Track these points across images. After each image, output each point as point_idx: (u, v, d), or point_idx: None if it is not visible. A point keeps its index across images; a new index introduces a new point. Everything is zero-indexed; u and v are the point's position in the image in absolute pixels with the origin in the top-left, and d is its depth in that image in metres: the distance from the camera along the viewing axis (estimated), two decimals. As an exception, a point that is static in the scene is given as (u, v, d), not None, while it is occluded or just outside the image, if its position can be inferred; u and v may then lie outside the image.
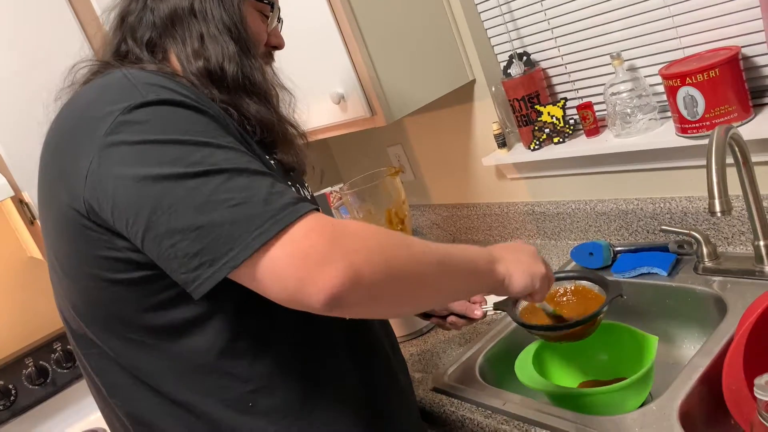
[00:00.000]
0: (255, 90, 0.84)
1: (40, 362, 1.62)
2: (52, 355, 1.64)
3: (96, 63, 0.84)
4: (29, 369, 1.60)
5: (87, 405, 1.64)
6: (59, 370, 1.64)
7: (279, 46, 0.96)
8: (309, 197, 0.91)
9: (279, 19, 0.95)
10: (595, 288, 1.05)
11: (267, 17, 0.91)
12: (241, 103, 0.82)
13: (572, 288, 1.09)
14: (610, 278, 1.28)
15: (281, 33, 0.97)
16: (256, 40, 0.87)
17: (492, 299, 1.11)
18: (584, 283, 1.07)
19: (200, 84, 0.80)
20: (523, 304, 1.09)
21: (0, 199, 1.37)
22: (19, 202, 1.44)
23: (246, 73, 0.83)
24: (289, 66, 1.42)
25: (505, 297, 1.08)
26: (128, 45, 0.84)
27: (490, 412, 1.04)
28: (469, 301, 1.11)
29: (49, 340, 1.65)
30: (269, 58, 0.95)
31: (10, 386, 1.57)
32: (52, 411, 1.64)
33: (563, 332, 1.00)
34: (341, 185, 1.59)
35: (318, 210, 0.68)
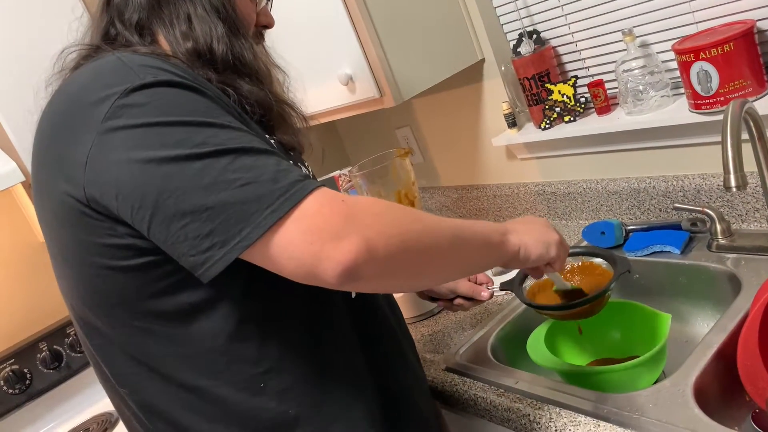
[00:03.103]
0: (246, 70, 0.82)
1: (54, 346, 1.64)
2: (66, 339, 1.65)
3: (85, 47, 0.82)
4: (44, 353, 1.61)
5: (101, 389, 1.65)
6: (73, 354, 1.66)
7: (269, 24, 0.94)
8: (311, 176, 0.90)
9: None
10: (603, 264, 1.04)
11: None
12: (235, 84, 0.80)
13: (579, 265, 1.08)
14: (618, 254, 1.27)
15: (271, 12, 0.95)
16: (245, 20, 0.86)
17: (499, 280, 1.11)
18: (592, 259, 1.07)
19: (192, 65, 0.78)
20: (530, 283, 1.08)
21: (10, 185, 1.37)
22: (30, 187, 1.45)
23: (236, 53, 0.81)
24: (296, 47, 1.41)
25: (512, 276, 1.08)
26: (117, 28, 0.83)
27: (502, 390, 1.04)
28: (476, 283, 1.10)
29: (62, 325, 1.66)
30: (260, 37, 0.93)
31: (25, 370, 1.59)
32: (67, 394, 1.66)
33: (570, 311, 1.00)
34: (350, 168, 1.58)
35: (323, 185, 0.67)
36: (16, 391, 1.57)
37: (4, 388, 1.56)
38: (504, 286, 1.08)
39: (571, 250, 1.07)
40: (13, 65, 1.38)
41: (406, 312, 1.38)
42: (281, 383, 0.77)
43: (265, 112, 0.83)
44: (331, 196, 0.65)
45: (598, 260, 1.06)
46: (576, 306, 0.99)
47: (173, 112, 0.66)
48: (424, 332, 1.33)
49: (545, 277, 1.00)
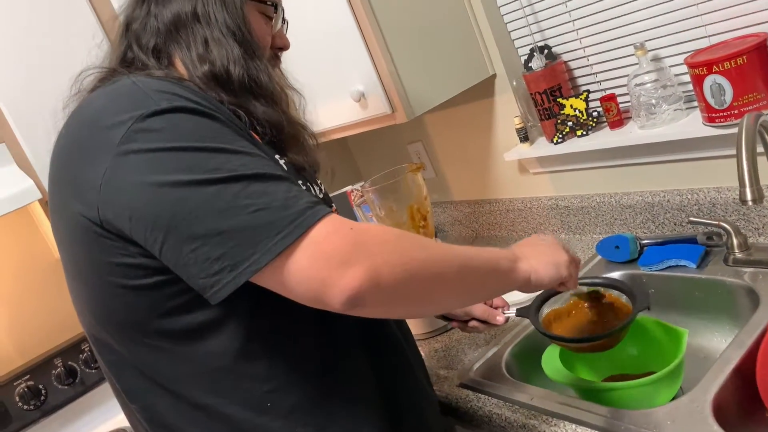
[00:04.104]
0: (262, 92, 0.84)
1: (69, 362, 1.64)
2: (81, 355, 1.66)
3: (103, 70, 0.84)
4: (58, 369, 1.62)
5: (115, 404, 1.64)
6: (88, 370, 1.66)
7: (284, 47, 0.96)
8: (322, 195, 0.91)
9: (283, 20, 0.95)
10: (623, 297, 1.04)
11: (271, 19, 0.91)
12: (248, 105, 0.82)
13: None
14: (637, 275, 1.26)
15: (287, 34, 0.97)
16: (261, 43, 0.87)
17: (515, 298, 1.10)
18: (612, 291, 1.06)
19: (207, 87, 0.80)
20: (546, 310, 1.08)
21: (28, 202, 1.39)
22: (46, 204, 1.46)
23: (252, 75, 0.83)
24: (309, 65, 1.43)
25: (529, 303, 1.08)
26: (134, 52, 0.84)
27: (517, 406, 1.03)
28: (492, 306, 1.10)
29: (77, 341, 1.67)
30: (276, 60, 0.95)
31: (40, 386, 1.60)
32: (82, 410, 1.66)
33: (585, 344, 1.00)
34: (362, 183, 1.59)
35: (333, 211, 0.69)
36: (32, 407, 1.58)
37: (20, 404, 1.57)
38: (520, 313, 1.08)
39: (590, 281, 1.07)
40: (33, 85, 1.41)
41: (419, 328, 1.38)
42: (288, 402, 0.77)
43: (277, 133, 0.84)
44: (339, 224, 0.67)
45: (618, 293, 1.05)
46: (590, 340, 0.99)
47: (188, 138, 0.68)
48: (437, 348, 1.32)
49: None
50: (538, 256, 0.88)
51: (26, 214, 1.71)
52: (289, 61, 1.01)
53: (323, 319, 0.79)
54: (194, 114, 0.70)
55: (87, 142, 0.71)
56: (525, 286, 0.87)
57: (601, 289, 1.07)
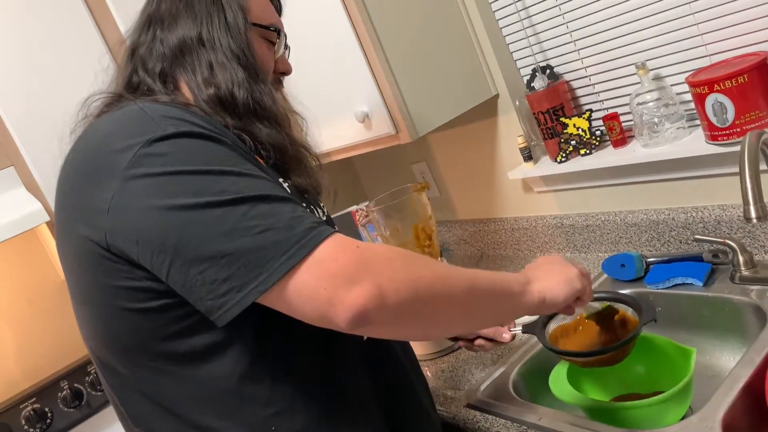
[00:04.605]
0: (266, 114, 0.85)
1: (75, 385, 1.64)
2: (87, 377, 1.66)
3: (109, 95, 0.85)
4: (65, 392, 1.62)
5: (121, 427, 1.65)
6: (93, 393, 1.66)
7: (287, 72, 0.98)
8: (325, 217, 0.92)
9: (286, 46, 0.96)
10: (629, 311, 1.04)
11: (273, 44, 0.92)
12: (253, 129, 0.83)
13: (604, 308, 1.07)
14: (644, 294, 1.26)
15: (291, 59, 0.99)
16: (264, 67, 0.89)
17: (522, 319, 1.10)
18: (618, 305, 1.06)
19: (212, 111, 0.81)
20: (553, 326, 1.07)
21: (35, 225, 1.40)
22: (53, 227, 1.47)
23: (256, 98, 0.84)
24: (313, 86, 1.44)
25: (536, 318, 1.07)
26: (140, 76, 0.86)
27: (525, 427, 1.02)
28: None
29: (83, 363, 1.67)
30: (279, 84, 0.96)
31: (46, 409, 1.59)
32: (87, 433, 1.66)
33: (593, 358, 0.99)
34: (367, 203, 1.60)
35: (337, 231, 0.69)
36: (37, 430, 1.57)
37: (26, 427, 1.56)
38: (527, 329, 1.07)
39: (596, 295, 1.06)
40: (41, 109, 1.43)
41: (425, 349, 1.37)
42: (292, 425, 0.77)
43: (281, 155, 0.85)
44: (345, 243, 0.67)
45: (624, 306, 1.05)
46: (597, 354, 0.98)
47: (193, 162, 0.69)
48: (444, 368, 1.32)
49: (578, 310, 0.99)
50: (549, 276, 0.87)
51: (33, 237, 1.72)
52: (294, 83, 1.02)
53: (327, 341, 0.79)
54: (200, 138, 0.71)
55: (94, 167, 0.72)
56: (539, 307, 0.85)
57: (614, 305, 1.06)
